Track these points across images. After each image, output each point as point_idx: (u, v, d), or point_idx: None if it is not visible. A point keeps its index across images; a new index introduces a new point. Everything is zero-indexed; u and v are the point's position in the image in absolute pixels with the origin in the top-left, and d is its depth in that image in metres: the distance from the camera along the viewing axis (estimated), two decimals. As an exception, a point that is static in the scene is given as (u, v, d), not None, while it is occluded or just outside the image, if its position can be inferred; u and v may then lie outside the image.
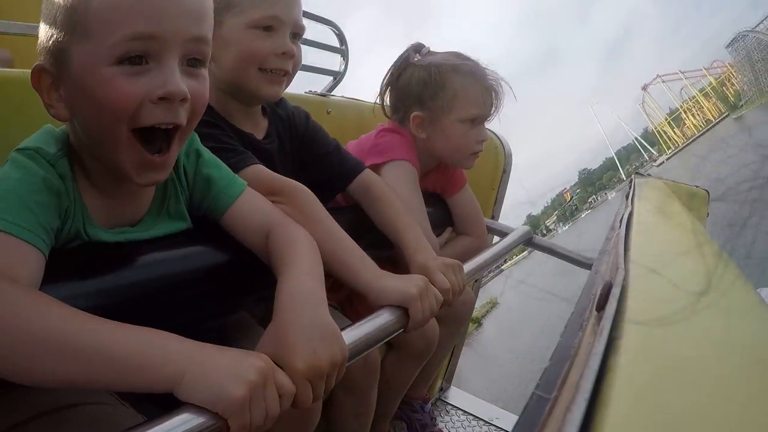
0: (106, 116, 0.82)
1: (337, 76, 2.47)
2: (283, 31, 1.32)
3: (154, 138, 0.87)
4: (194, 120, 0.91)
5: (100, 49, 0.79)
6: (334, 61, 2.55)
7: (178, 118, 0.86)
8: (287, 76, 1.38)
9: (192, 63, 0.88)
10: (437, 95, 1.71)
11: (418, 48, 1.81)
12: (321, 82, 2.54)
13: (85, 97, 0.82)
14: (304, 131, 1.53)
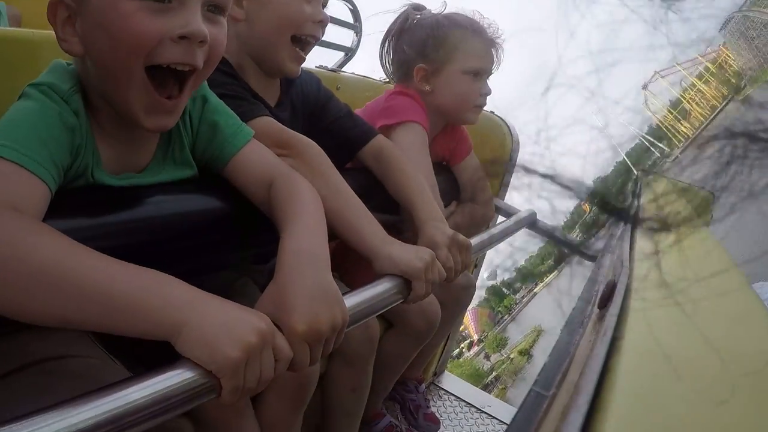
0: (123, 52, 0.80)
1: (349, 53, 2.44)
2: None
3: (167, 81, 0.86)
4: (210, 66, 0.90)
5: None
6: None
7: (195, 60, 0.85)
8: (310, 47, 1.36)
9: (212, 9, 0.87)
10: (439, 47, 1.73)
11: (418, 8, 1.82)
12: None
13: (102, 31, 0.80)
14: (315, 98, 1.51)
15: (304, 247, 0.86)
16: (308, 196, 0.99)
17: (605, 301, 0.58)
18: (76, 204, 0.85)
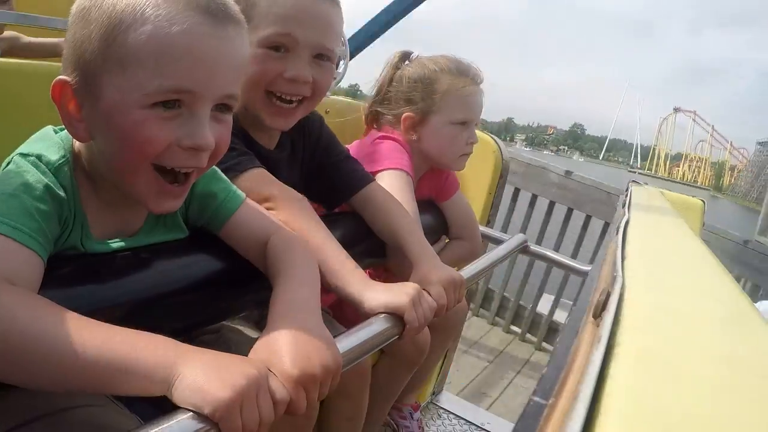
0: (131, 154, 0.82)
1: (337, 77, 2.47)
2: (297, 53, 1.24)
3: (173, 171, 0.88)
4: (214, 161, 0.92)
5: (135, 92, 0.79)
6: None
7: (200, 164, 0.88)
8: (304, 102, 1.32)
9: (221, 109, 0.88)
10: (428, 96, 1.73)
11: (406, 55, 1.82)
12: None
13: (110, 131, 0.82)
14: (317, 138, 1.52)
15: (296, 297, 0.90)
16: (300, 250, 1.03)
17: (600, 310, 0.59)
18: (70, 271, 0.86)
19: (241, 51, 0.89)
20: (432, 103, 1.73)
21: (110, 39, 0.78)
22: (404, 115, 1.75)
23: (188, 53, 0.79)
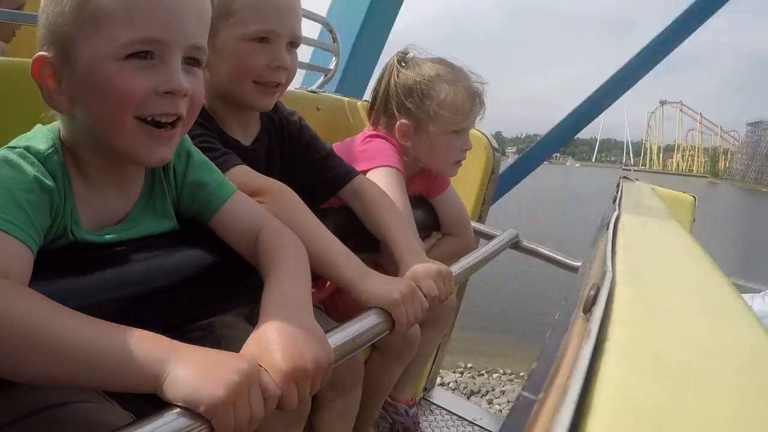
0: (113, 106, 0.85)
1: (329, 73, 2.46)
2: (278, 43, 1.31)
3: (159, 123, 0.91)
4: (192, 114, 0.95)
5: (110, 46, 0.83)
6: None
7: (179, 110, 0.90)
8: (281, 86, 1.37)
9: (190, 62, 0.93)
10: (423, 104, 1.70)
11: (403, 58, 1.80)
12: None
13: (91, 89, 0.85)
14: (298, 137, 1.53)
15: (287, 292, 0.90)
16: (292, 244, 1.04)
17: (590, 305, 0.59)
18: (59, 264, 0.86)
19: (205, 3, 0.95)
20: (427, 111, 1.69)
21: (83, 4, 0.83)
22: (398, 123, 1.72)
23: (157, 4, 0.85)
